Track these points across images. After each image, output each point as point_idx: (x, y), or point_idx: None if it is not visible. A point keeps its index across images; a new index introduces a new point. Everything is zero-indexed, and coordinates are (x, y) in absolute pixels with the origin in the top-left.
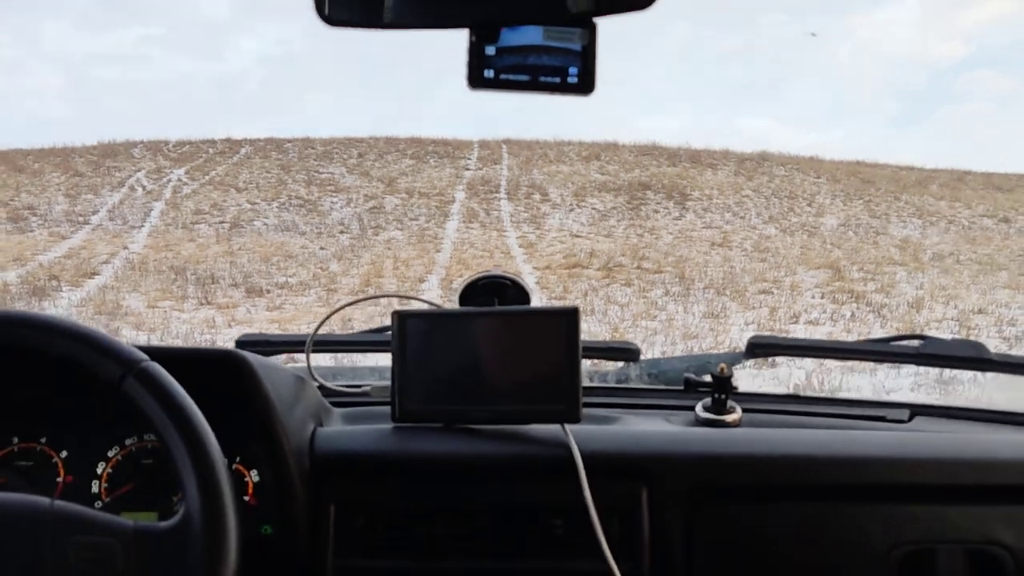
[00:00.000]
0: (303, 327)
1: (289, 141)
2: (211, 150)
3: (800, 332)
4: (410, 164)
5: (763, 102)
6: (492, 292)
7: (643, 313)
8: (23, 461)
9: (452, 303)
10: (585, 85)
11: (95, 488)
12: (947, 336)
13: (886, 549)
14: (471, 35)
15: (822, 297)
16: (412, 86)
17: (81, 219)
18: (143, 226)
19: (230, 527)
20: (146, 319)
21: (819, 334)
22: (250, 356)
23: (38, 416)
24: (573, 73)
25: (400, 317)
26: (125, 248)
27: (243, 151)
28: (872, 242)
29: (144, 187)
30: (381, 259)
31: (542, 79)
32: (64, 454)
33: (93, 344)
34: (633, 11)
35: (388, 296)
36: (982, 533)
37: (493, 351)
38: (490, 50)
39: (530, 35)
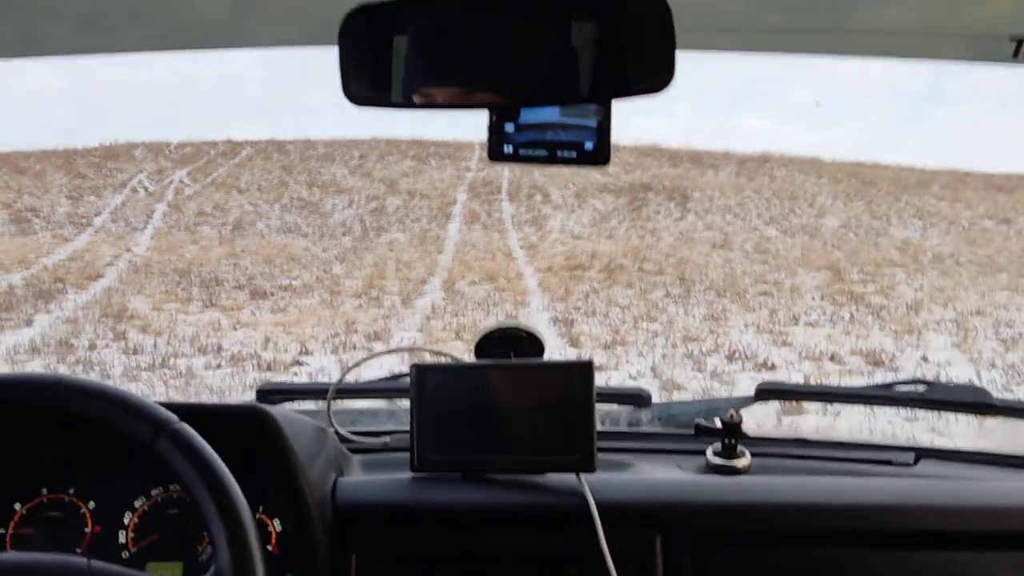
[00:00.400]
0: (307, 329)
1: (290, 142)
2: (212, 151)
3: (799, 334)
4: (411, 165)
5: (764, 102)
6: (507, 344)
7: (644, 315)
8: (52, 512)
9: (455, 306)
10: (601, 157)
11: (122, 538)
12: (951, 382)
13: None
14: (491, 114)
15: (822, 299)
16: None
17: (84, 221)
18: (146, 228)
19: None
20: (152, 322)
21: (818, 337)
22: (273, 411)
23: (66, 468)
24: (589, 147)
25: (419, 370)
26: (128, 250)
27: (244, 152)
28: (873, 243)
29: (146, 189)
30: (384, 261)
31: (559, 153)
32: (92, 505)
33: (127, 407)
34: (647, 94)
35: (408, 350)
36: None
37: (509, 403)
38: (509, 127)
39: (548, 113)
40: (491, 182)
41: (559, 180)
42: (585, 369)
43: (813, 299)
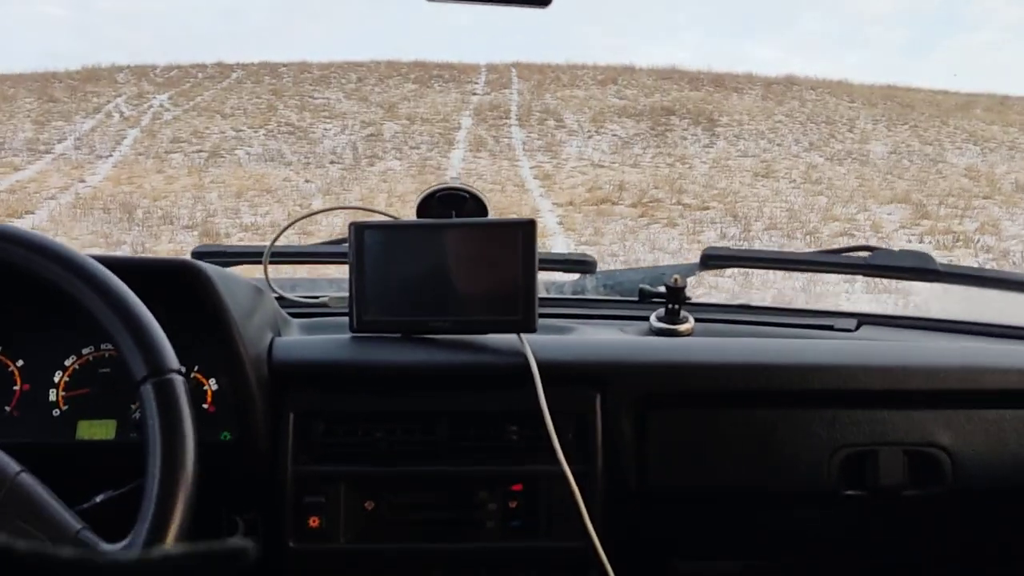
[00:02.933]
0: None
1: (284, 65)
2: (200, 75)
3: (922, 289)
4: (412, 89)
5: (773, 34)
6: (450, 205)
7: None
8: None
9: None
10: None
11: (52, 396)
12: (895, 247)
13: (830, 451)
14: None
15: (919, 241)
16: (417, 13)
17: (44, 148)
18: (111, 156)
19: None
20: None
21: (955, 296)
22: (206, 266)
23: None
24: None
25: (357, 228)
26: (81, 181)
27: (234, 76)
28: (935, 171)
29: (122, 113)
30: (374, 193)
31: None
32: (20, 363)
33: (48, 255)
34: None
35: (348, 208)
36: (922, 436)
37: (450, 262)
38: None
39: None
40: (499, 106)
41: (573, 104)
42: (528, 228)
43: (909, 240)
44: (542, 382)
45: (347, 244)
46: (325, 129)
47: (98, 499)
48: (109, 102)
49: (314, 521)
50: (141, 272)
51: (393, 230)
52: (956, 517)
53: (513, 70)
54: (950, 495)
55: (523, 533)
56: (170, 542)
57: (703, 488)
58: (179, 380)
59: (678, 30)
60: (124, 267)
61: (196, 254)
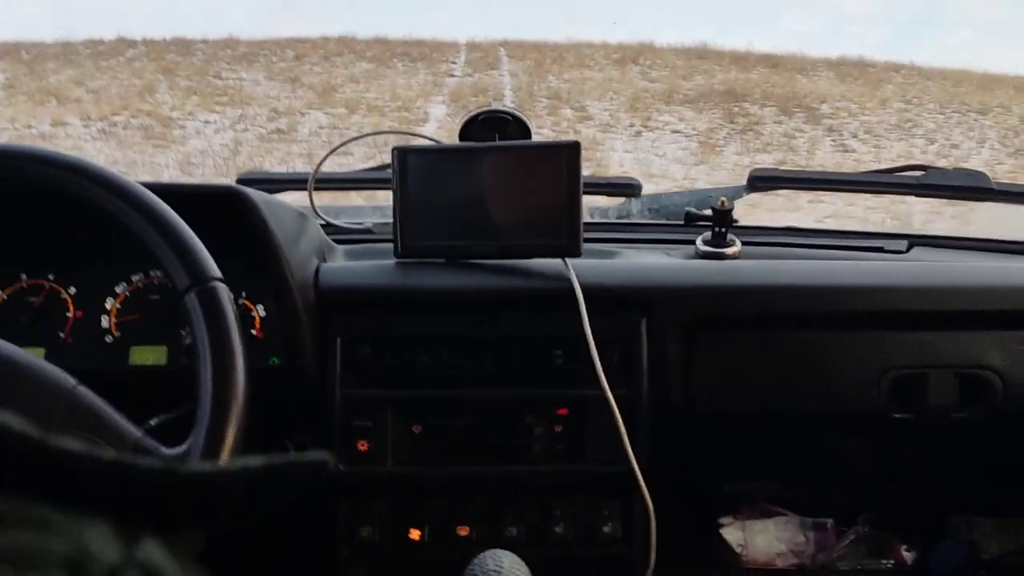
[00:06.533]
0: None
1: (203, 41)
2: (86, 51)
3: None
4: (367, 69)
5: (750, 30)
6: (493, 127)
7: None
8: (32, 297)
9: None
10: None
11: (104, 323)
12: (949, 167)
13: (878, 373)
14: None
15: None
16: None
17: None
18: None
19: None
20: None
21: None
22: (252, 191)
23: (44, 254)
24: None
25: (400, 153)
26: None
27: (129, 53)
28: None
29: None
30: None
31: None
32: (72, 291)
33: (105, 184)
34: None
35: (392, 132)
36: (973, 358)
37: (494, 186)
38: None
39: None
40: (486, 90)
41: (590, 88)
42: (572, 150)
43: None
44: (587, 306)
45: (390, 169)
46: (204, 122)
47: (152, 423)
48: None
49: (362, 445)
50: (187, 197)
51: (436, 154)
52: (1006, 439)
53: (501, 49)
54: (1001, 417)
55: (568, 457)
56: (228, 445)
57: (750, 411)
58: (223, 288)
59: (655, 30)
60: (169, 192)
61: (241, 180)
